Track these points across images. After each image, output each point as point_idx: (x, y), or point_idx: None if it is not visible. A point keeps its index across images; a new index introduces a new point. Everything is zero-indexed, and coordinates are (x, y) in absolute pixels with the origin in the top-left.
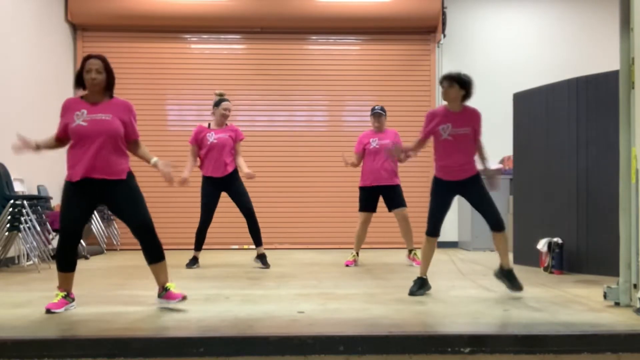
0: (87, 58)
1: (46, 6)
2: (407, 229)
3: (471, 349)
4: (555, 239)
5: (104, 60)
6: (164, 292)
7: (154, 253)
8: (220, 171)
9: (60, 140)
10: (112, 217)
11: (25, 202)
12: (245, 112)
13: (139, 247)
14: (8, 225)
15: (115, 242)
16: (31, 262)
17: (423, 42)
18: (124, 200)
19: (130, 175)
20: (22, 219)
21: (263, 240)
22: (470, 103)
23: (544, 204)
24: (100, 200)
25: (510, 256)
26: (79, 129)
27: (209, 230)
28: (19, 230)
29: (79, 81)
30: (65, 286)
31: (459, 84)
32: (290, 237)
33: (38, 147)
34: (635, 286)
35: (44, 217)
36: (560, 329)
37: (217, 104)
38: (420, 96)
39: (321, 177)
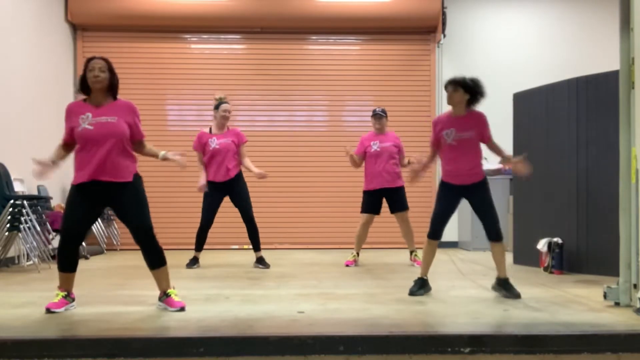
0: (89, 59)
1: (46, 6)
2: (407, 230)
3: (471, 349)
4: (555, 239)
5: (107, 61)
6: (164, 297)
7: (154, 258)
8: (223, 176)
9: (68, 145)
10: (112, 217)
11: (25, 202)
12: (245, 112)
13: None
14: (8, 225)
15: (115, 242)
16: (31, 262)
17: (423, 42)
18: (128, 203)
19: (137, 177)
20: (22, 219)
21: (263, 240)
22: None
23: (544, 204)
24: (106, 202)
25: (510, 256)
26: (86, 132)
27: (210, 230)
28: (19, 230)
29: (84, 85)
30: (66, 286)
31: (464, 88)
32: (290, 237)
33: (54, 163)
34: (635, 286)
35: (44, 217)
36: (560, 329)
37: (216, 107)
38: (420, 96)
39: (321, 177)
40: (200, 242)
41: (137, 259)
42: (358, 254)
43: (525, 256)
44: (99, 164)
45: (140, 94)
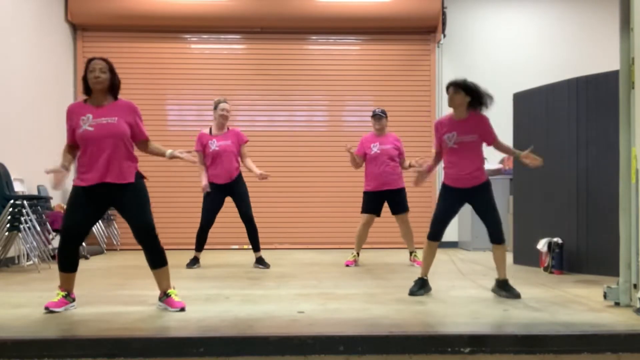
0: (90, 60)
1: (46, 6)
2: (407, 231)
3: (471, 349)
4: (555, 239)
5: (107, 61)
6: (164, 297)
7: (156, 258)
8: (224, 178)
9: (72, 147)
10: (112, 217)
11: (25, 202)
12: (245, 112)
13: (139, 247)
14: (8, 225)
15: (115, 242)
16: (31, 262)
17: (423, 42)
18: (130, 203)
19: (139, 177)
20: (22, 219)
21: (263, 240)
22: None
23: (544, 204)
24: (109, 203)
25: (510, 256)
26: (86, 134)
27: (210, 230)
28: (19, 230)
29: (86, 86)
30: (67, 286)
31: (465, 91)
32: (290, 237)
33: (66, 168)
34: (635, 286)
35: (44, 217)
36: (560, 329)
37: (215, 107)
38: (420, 96)
39: (321, 177)
40: (200, 243)
41: (137, 259)
42: (358, 254)
43: (525, 256)
44: (103, 166)
45: (140, 94)
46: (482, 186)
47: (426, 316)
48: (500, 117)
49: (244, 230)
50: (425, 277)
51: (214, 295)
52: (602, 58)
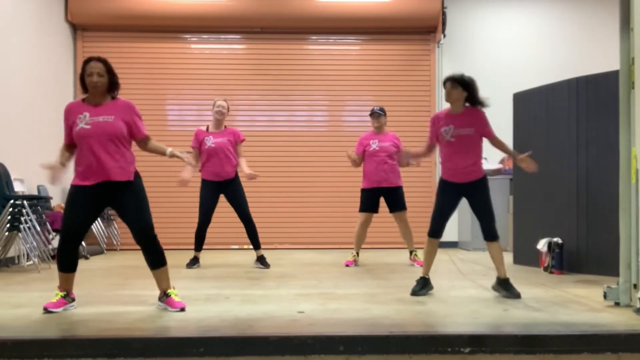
0: (87, 61)
1: (46, 6)
2: (406, 231)
3: (471, 349)
4: (555, 239)
5: (105, 62)
6: (164, 297)
7: (155, 259)
8: (219, 176)
9: (70, 146)
10: (112, 217)
11: (25, 202)
12: (245, 112)
13: (140, 247)
14: (8, 225)
15: (115, 242)
16: (31, 262)
17: (423, 42)
18: (129, 203)
19: (137, 175)
20: (22, 219)
21: (263, 240)
22: None
23: (544, 204)
24: (107, 202)
25: (510, 256)
26: (83, 132)
27: (210, 230)
28: (19, 230)
29: (83, 84)
30: (66, 286)
31: (462, 86)
32: (290, 237)
33: (63, 165)
34: (635, 286)
35: (44, 217)
36: (560, 329)
37: (213, 105)
38: (420, 96)
39: (321, 177)
40: (199, 242)
41: (137, 259)
42: (358, 253)
43: (525, 256)
44: (100, 165)
45: (140, 94)
46: (479, 181)
47: (426, 316)
48: (500, 117)
49: (244, 230)
50: (427, 276)
51: (214, 295)
52: (602, 58)
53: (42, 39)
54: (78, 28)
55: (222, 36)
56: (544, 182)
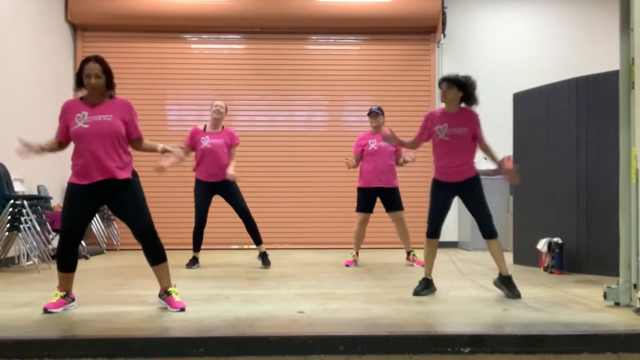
0: (85, 61)
1: (46, 6)
2: (403, 231)
3: (471, 349)
4: (555, 239)
5: (102, 63)
6: (165, 295)
7: (155, 255)
8: (213, 176)
9: (61, 143)
10: (112, 217)
11: (25, 202)
12: (245, 112)
13: (139, 247)
14: (8, 225)
15: (115, 242)
16: (31, 262)
17: (423, 42)
18: (128, 201)
19: (134, 174)
20: (22, 219)
21: (263, 240)
22: None
23: (544, 204)
24: (104, 201)
25: (510, 256)
26: (81, 131)
27: (209, 230)
28: (19, 230)
29: (79, 82)
30: (65, 286)
31: (458, 86)
32: (290, 237)
33: (42, 150)
34: (635, 286)
35: (44, 217)
36: (560, 329)
37: (212, 105)
38: (420, 96)
39: (321, 177)
40: (197, 242)
41: (137, 259)
42: (357, 253)
43: (525, 256)
44: (98, 164)
45: (140, 94)
46: (472, 180)
47: (426, 316)
48: (500, 117)
49: (244, 229)
50: (429, 277)
51: (214, 295)
52: (602, 58)
53: (42, 39)
54: (78, 28)
55: (222, 36)
56: (544, 182)
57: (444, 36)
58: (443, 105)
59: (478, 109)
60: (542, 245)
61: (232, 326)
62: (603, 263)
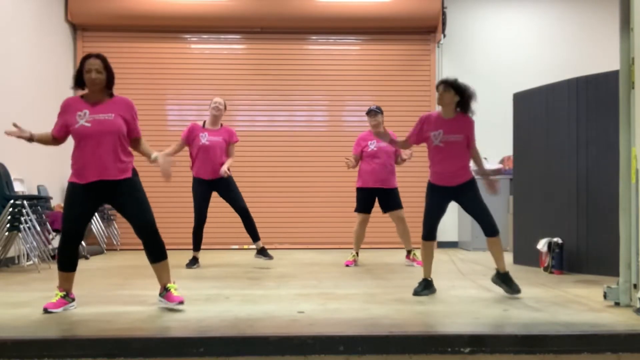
0: (86, 57)
1: (46, 6)
2: (403, 230)
3: (471, 349)
4: (555, 239)
5: (103, 59)
6: (164, 292)
7: (156, 252)
8: (210, 174)
9: (56, 139)
10: (112, 217)
11: (25, 202)
12: (245, 112)
13: (139, 247)
14: (8, 225)
15: (115, 242)
16: (31, 262)
17: (423, 42)
18: (129, 199)
19: (135, 173)
20: (22, 219)
21: (263, 240)
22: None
23: (544, 204)
24: (105, 199)
25: (510, 256)
26: (83, 129)
27: (209, 230)
28: (19, 230)
29: (79, 81)
30: (65, 286)
31: (455, 90)
32: (290, 237)
33: (32, 139)
34: (635, 286)
35: (44, 217)
36: (560, 329)
37: (211, 102)
38: (420, 96)
39: (321, 177)
40: (197, 242)
41: (137, 259)
42: (357, 253)
43: (525, 256)
44: (100, 163)
45: (140, 94)
46: (467, 184)
47: (426, 316)
48: (500, 117)
49: (244, 230)
50: (429, 278)
51: (214, 295)
52: (602, 58)
53: (42, 39)
54: (78, 28)
55: (222, 36)
56: (544, 182)
57: (444, 36)
58: (439, 108)
59: (477, 109)
60: (542, 245)
61: (232, 326)
62: (603, 263)
